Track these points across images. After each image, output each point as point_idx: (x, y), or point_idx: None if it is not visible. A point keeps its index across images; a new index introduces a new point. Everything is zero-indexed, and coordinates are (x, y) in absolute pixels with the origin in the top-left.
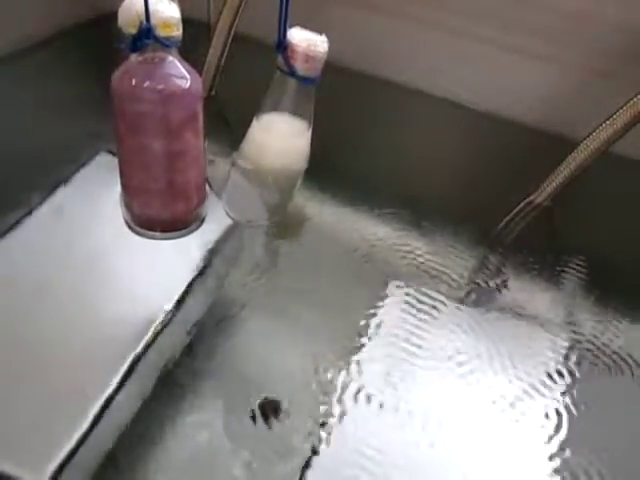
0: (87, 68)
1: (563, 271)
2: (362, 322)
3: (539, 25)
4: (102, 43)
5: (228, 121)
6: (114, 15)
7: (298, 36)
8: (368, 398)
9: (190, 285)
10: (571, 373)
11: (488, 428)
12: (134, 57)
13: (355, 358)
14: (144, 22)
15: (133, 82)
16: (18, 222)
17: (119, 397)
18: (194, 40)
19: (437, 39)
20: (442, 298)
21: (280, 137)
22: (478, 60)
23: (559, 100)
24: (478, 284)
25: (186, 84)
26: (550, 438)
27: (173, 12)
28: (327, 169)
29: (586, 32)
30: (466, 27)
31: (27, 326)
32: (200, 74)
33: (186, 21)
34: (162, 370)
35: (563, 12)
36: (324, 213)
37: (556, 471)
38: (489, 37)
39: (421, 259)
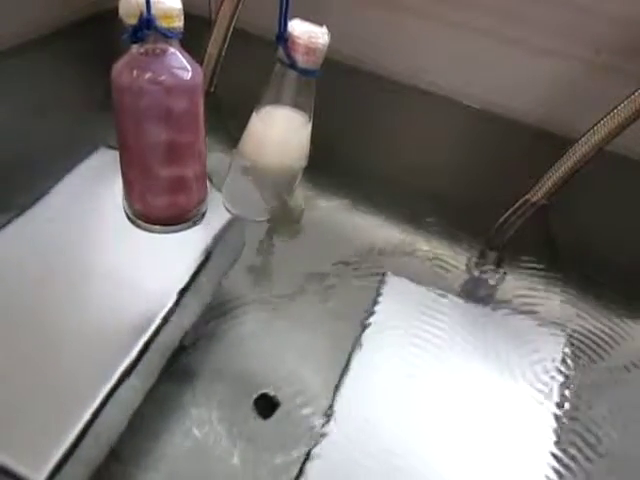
0: (87, 63)
1: (560, 269)
2: (362, 318)
3: (539, 19)
4: (102, 39)
5: (228, 115)
6: (114, 11)
7: (299, 28)
8: (368, 394)
9: (190, 280)
10: (568, 370)
11: (485, 424)
12: (135, 48)
13: (355, 353)
14: (145, 13)
15: (134, 74)
16: (19, 216)
17: (120, 391)
18: (194, 34)
19: (437, 34)
20: (440, 295)
21: (280, 130)
22: (477, 55)
23: (558, 96)
24: (476, 281)
25: (188, 76)
26: (548, 435)
27: (174, 3)
28: (327, 166)
29: (587, 26)
30: (466, 21)
31: (28, 320)
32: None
33: (186, 16)
34: (163, 364)
35: (564, 6)
36: (324, 209)
37: (554, 468)
38: (489, 31)
39: (420, 256)
